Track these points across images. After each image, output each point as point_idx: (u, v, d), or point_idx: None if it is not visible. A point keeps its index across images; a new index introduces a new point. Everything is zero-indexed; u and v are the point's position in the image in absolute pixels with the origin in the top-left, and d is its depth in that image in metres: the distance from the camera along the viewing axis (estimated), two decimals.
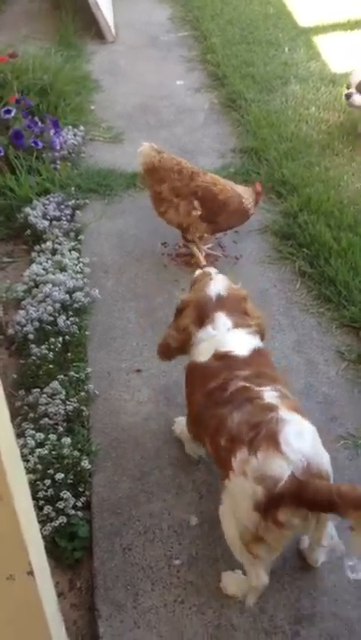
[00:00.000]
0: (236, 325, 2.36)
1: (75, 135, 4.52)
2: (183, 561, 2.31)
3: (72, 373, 2.94)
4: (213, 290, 2.45)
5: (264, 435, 1.93)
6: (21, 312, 3.23)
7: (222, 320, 2.37)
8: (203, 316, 2.40)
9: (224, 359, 2.27)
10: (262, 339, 2.42)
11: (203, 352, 2.33)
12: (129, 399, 2.88)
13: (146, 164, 3.54)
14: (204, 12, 6.40)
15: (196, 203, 3.50)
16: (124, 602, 2.20)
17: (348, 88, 4.32)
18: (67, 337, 3.11)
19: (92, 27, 6.06)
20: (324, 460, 1.95)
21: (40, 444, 2.63)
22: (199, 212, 3.50)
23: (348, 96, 4.28)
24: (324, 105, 4.79)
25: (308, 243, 3.58)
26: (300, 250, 3.59)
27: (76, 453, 2.60)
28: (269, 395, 2.07)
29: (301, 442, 1.92)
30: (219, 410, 2.12)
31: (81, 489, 2.52)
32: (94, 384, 2.92)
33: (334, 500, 1.81)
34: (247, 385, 2.13)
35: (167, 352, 2.55)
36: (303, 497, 1.85)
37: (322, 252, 3.49)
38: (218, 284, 2.48)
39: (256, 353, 2.30)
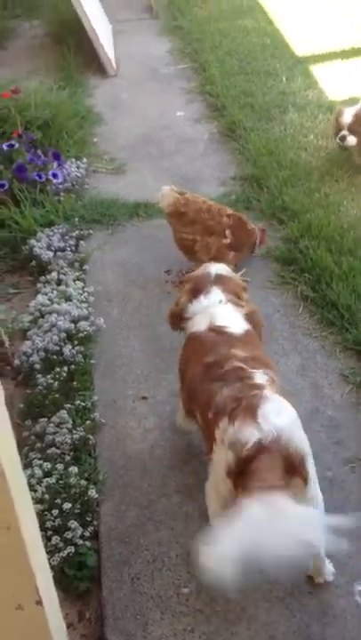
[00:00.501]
0: (229, 302, 2.54)
1: (78, 167, 4.59)
2: (192, 589, 2.30)
3: (78, 402, 2.96)
4: (213, 269, 2.68)
5: (244, 406, 2.05)
6: (27, 342, 3.26)
7: (216, 293, 2.56)
8: (198, 289, 2.60)
9: (220, 334, 2.41)
10: (258, 333, 2.57)
11: (198, 322, 2.50)
12: (135, 427, 2.90)
13: (170, 207, 3.60)
14: (203, 44, 6.52)
15: (227, 232, 3.59)
16: (133, 631, 2.19)
17: (338, 130, 4.35)
18: (72, 366, 3.13)
19: (93, 61, 6.18)
20: (298, 439, 2.01)
21: (47, 474, 2.64)
22: (229, 240, 3.59)
23: (343, 138, 4.31)
24: (322, 132, 4.85)
25: (309, 267, 3.62)
26: (302, 275, 3.62)
27: (84, 482, 2.60)
28: (260, 376, 2.19)
29: (278, 418, 2.01)
30: (212, 385, 2.23)
31: (89, 518, 2.52)
32: (100, 412, 2.94)
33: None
34: (242, 366, 2.24)
35: (171, 320, 2.71)
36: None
37: (323, 277, 3.52)
38: (219, 267, 2.72)
39: (248, 334, 2.45)
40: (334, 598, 2.25)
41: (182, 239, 3.65)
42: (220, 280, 2.62)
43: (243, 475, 1.95)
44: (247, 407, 2.04)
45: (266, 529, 1.77)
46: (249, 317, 2.54)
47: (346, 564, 2.33)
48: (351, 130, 4.27)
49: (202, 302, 2.55)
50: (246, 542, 1.76)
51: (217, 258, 3.58)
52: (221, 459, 2.03)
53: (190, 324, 2.55)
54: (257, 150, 4.70)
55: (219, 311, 2.50)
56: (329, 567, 2.29)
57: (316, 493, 2.09)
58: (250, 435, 1.96)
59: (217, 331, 2.42)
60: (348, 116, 4.29)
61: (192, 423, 2.59)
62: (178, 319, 2.65)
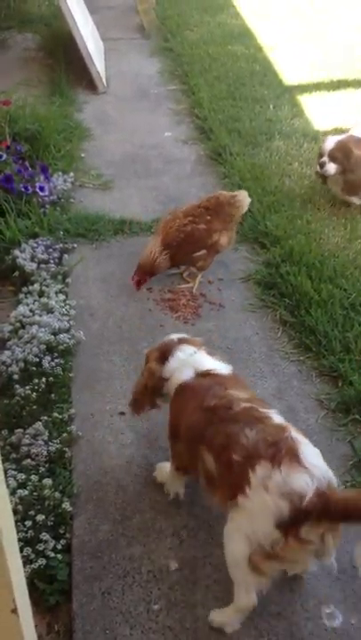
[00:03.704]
0: (202, 350, 2.53)
1: (64, 181, 4.62)
2: (162, 606, 2.31)
3: (55, 414, 2.96)
4: (175, 336, 2.64)
5: (285, 451, 2.01)
6: (7, 352, 3.26)
7: (188, 347, 2.53)
8: (166, 353, 2.53)
9: (211, 376, 2.38)
10: None
11: (182, 373, 2.44)
12: (112, 442, 2.91)
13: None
14: (193, 67, 6.62)
15: None
16: None
17: (320, 157, 4.28)
18: (51, 378, 3.14)
19: (84, 77, 6.24)
20: (335, 482, 2.03)
21: (21, 485, 2.63)
22: None
23: (322, 165, 4.22)
24: (306, 161, 4.95)
25: (289, 293, 3.68)
26: (282, 299, 3.68)
27: (58, 495, 2.60)
28: (277, 417, 2.19)
29: (319, 461, 2.04)
30: (227, 426, 2.17)
31: (61, 531, 2.53)
32: (77, 426, 2.95)
33: None
34: (253, 405, 2.22)
35: (137, 403, 2.65)
36: (332, 510, 1.93)
37: (303, 303, 3.59)
38: (179, 335, 2.65)
39: (235, 375, 2.46)
40: (303, 621, 2.27)
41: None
42: (184, 341, 2.59)
43: (298, 523, 1.96)
44: (289, 451, 2.02)
45: None
46: None
47: (314, 587, 2.37)
48: (332, 157, 4.21)
49: (179, 356, 2.49)
50: None
51: None
52: (267, 508, 1.98)
53: (172, 381, 2.47)
54: (242, 175, 4.78)
55: (199, 358, 2.48)
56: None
57: None
58: (304, 484, 1.95)
59: (207, 375, 2.40)
60: (330, 143, 4.24)
61: (181, 482, 2.58)
62: (154, 391, 2.57)
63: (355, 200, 4.41)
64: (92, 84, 6.27)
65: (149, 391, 2.58)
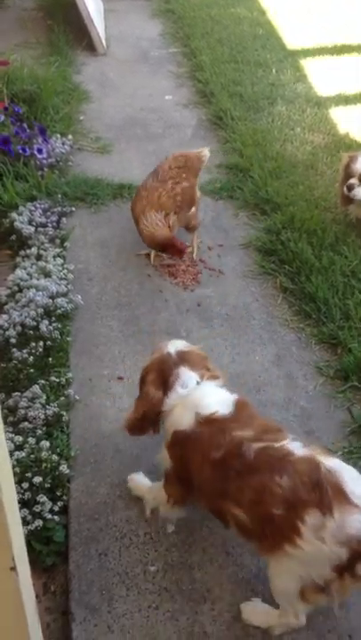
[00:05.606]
0: (203, 377, 2.24)
1: (63, 144, 4.54)
2: (159, 567, 2.32)
3: (53, 378, 2.95)
4: (172, 347, 2.32)
5: (330, 492, 1.85)
6: (4, 316, 3.23)
7: (188, 375, 2.23)
8: (165, 375, 2.25)
9: (211, 423, 2.10)
10: None
11: (181, 417, 2.16)
12: (110, 406, 2.90)
13: None
14: (195, 29, 6.49)
15: None
16: (98, 606, 2.21)
17: (346, 177, 3.75)
18: (48, 342, 3.12)
19: (83, 38, 6.11)
20: None
21: (19, 447, 2.63)
22: None
23: (350, 187, 3.70)
24: (309, 126, 4.89)
25: (290, 259, 3.65)
26: (282, 266, 3.65)
27: (55, 458, 2.60)
28: (297, 446, 1.99)
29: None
30: (250, 479, 1.97)
31: (59, 493, 2.53)
32: (75, 390, 2.94)
33: None
34: (266, 444, 2.00)
35: (134, 425, 2.37)
36: None
37: (303, 270, 3.56)
38: (177, 343, 2.36)
39: (239, 406, 2.15)
40: None
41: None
42: (182, 357, 2.28)
43: (355, 563, 1.86)
44: (334, 491, 1.85)
45: None
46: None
47: None
48: None
49: (178, 392, 2.20)
50: None
51: None
52: (324, 556, 1.86)
53: (170, 422, 2.22)
54: (243, 140, 4.71)
55: (201, 394, 2.19)
56: None
57: None
58: (359, 524, 1.82)
59: (206, 422, 2.10)
60: None
61: (181, 511, 2.37)
62: (154, 417, 2.29)
63: None
64: (92, 45, 6.15)
65: (150, 417, 2.31)
